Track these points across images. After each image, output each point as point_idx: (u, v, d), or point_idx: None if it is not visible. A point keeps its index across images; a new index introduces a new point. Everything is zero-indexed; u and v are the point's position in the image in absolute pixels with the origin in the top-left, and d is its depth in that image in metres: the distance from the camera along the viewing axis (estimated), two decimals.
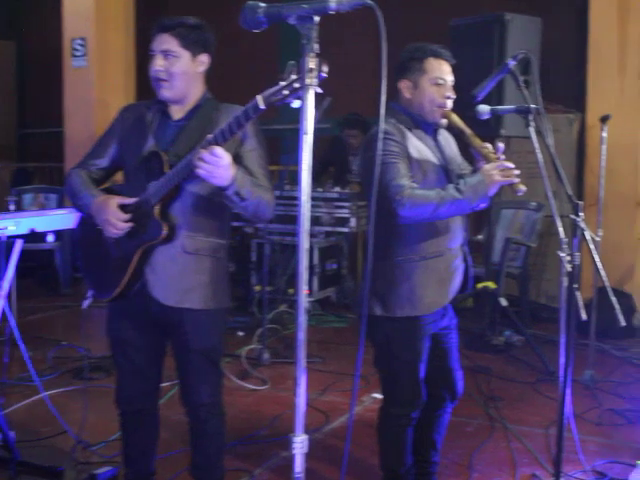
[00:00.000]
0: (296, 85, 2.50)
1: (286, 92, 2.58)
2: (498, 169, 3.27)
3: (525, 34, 6.28)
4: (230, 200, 3.09)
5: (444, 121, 3.50)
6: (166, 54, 3.18)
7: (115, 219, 3.20)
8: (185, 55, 3.20)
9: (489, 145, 3.41)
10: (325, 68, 2.20)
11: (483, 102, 3.57)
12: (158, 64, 3.19)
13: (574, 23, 8.42)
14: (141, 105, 3.40)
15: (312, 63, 2.12)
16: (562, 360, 3.26)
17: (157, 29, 3.21)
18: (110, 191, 3.37)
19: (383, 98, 2.16)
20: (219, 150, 2.92)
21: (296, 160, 2.14)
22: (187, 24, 3.21)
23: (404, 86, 3.53)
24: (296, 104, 2.38)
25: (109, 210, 3.22)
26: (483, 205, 3.35)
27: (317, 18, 2.12)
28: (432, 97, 3.47)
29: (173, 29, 3.18)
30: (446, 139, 3.67)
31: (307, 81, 2.13)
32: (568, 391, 3.23)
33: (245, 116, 2.83)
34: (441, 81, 3.47)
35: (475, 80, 3.63)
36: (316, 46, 2.12)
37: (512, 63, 3.45)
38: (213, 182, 2.99)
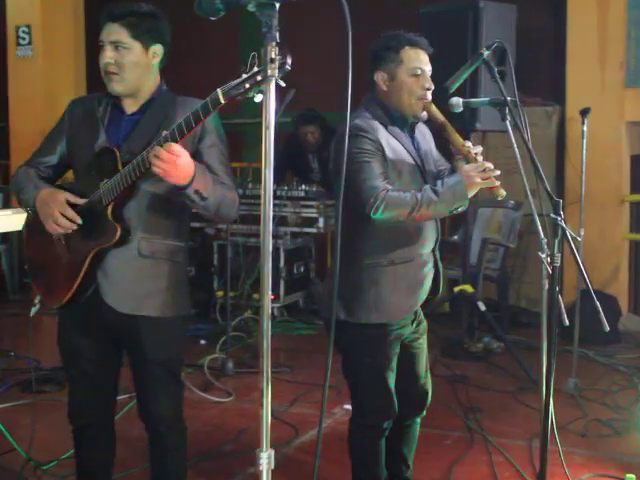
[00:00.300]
0: (258, 78, 2.49)
1: (248, 85, 2.57)
2: (478, 170, 3.27)
3: (500, 22, 6.30)
4: (190, 200, 3.07)
5: (424, 114, 3.49)
6: (116, 45, 3.15)
7: (60, 214, 3.17)
8: (136, 46, 3.17)
9: (470, 143, 3.41)
10: (289, 59, 2.20)
11: (456, 94, 3.57)
12: (107, 56, 3.16)
13: (552, 10, 8.47)
14: (92, 98, 3.36)
15: (273, 53, 2.10)
16: (544, 368, 3.28)
17: (106, 18, 3.17)
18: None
19: (349, 91, 2.15)
20: (176, 147, 2.90)
21: (259, 156, 2.13)
22: (138, 13, 3.17)
23: (380, 78, 3.51)
24: (258, 98, 2.37)
25: (55, 203, 3.18)
26: (462, 209, 3.36)
27: (278, 5, 2.11)
28: (411, 89, 3.45)
29: (123, 18, 3.14)
30: (422, 135, 3.66)
31: (268, 72, 2.11)
32: (551, 400, 3.24)
33: (204, 111, 2.81)
34: (419, 71, 3.46)
35: (447, 71, 3.63)
36: (278, 35, 2.10)
37: (486, 53, 3.47)
38: (171, 181, 2.98)
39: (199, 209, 3.14)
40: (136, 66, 3.18)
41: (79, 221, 3.17)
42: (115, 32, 3.14)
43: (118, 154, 3.11)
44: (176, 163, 2.91)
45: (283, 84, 2.21)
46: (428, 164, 3.59)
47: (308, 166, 8.48)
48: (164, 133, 2.93)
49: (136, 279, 3.21)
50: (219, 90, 2.72)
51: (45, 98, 9.95)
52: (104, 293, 3.19)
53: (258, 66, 2.49)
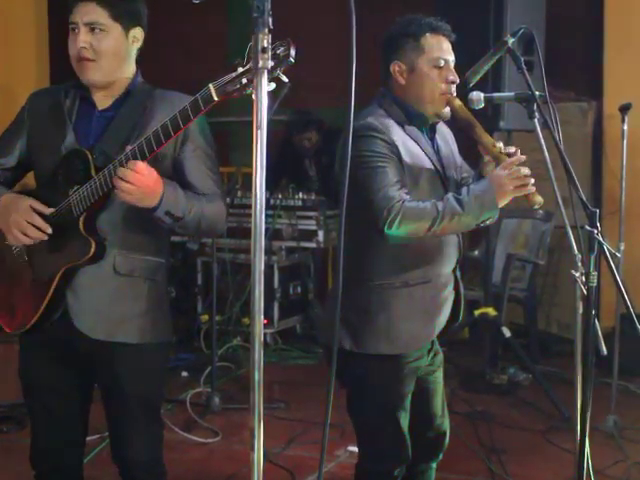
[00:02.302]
0: None
1: (245, 81, 2.59)
2: (511, 175, 3.22)
3: (527, 4, 6.32)
4: (162, 222, 3.10)
5: (447, 110, 3.46)
6: (92, 27, 3.16)
7: (26, 221, 3.17)
8: (116, 29, 3.19)
9: (501, 143, 3.38)
10: (293, 51, 2.21)
11: (476, 89, 3.57)
12: (82, 40, 3.16)
13: None
14: (57, 90, 3.37)
15: (265, 41, 2.09)
16: (579, 403, 3.28)
17: None
18: None
19: (352, 84, 2.16)
20: (141, 166, 2.93)
21: (250, 160, 2.13)
22: None
23: (397, 69, 3.48)
24: None
25: (20, 210, 3.19)
26: (490, 221, 3.34)
27: None
28: (433, 82, 3.43)
29: None
30: (443, 136, 3.65)
31: (260, 63, 2.09)
32: (587, 441, 3.24)
33: (194, 109, 2.83)
34: (442, 62, 3.44)
35: (466, 62, 3.64)
36: (271, 20, 2.10)
37: (512, 41, 3.47)
38: (139, 205, 3.01)
39: (176, 229, 3.17)
40: (116, 52, 3.20)
41: (49, 230, 3.18)
42: (92, 11, 3.15)
43: (90, 157, 3.11)
44: (143, 185, 2.94)
45: (285, 79, 2.22)
46: (449, 170, 3.56)
47: (305, 173, 8.49)
48: (128, 148, 2.95)
49: (111, 300, 3.22)
50: (211, 85, 2.73)
51: (1, 93, 9.93)
52: (74, 316, 3.20)
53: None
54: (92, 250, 3.13)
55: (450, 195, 3.31)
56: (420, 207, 3.26)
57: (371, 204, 3.27)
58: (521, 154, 3.31)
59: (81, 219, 3.13)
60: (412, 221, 3.25)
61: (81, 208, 3.11)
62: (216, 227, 3.27)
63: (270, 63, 2.10)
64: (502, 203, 3.26)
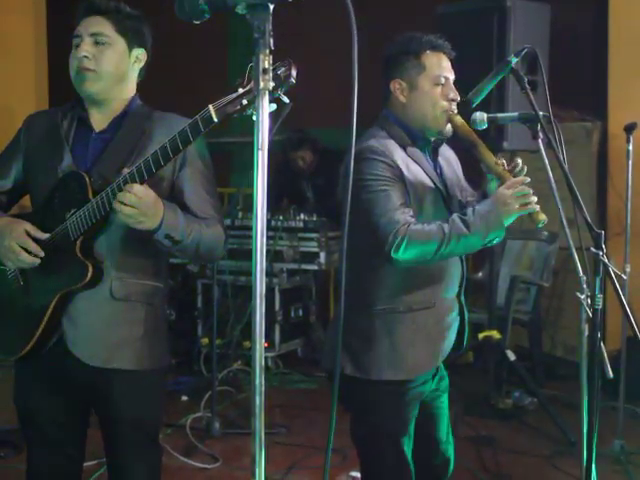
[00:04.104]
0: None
1: (245, 102, 2.58)
2: (515, 194, 3.21)
3: (531, 23, 6.31)
4: (161, 244, 3.10)
5: (449, 127, 3.46)
6: (96, 40, 3.18)
7: (21, 248, 3.16)
8: (120, 43, 3.22)
9: (504, 160, 3.37)
10: (294, 71, 2.20)
11: (479, 109, 3.57)
12: (85, 49, 3.18)
13: (592, 9, 8.48)
14: (53, 112, 3.38)
15: (267, 62, 2.09)
16: (585, 427, 3.26)
17: (86, 11, 3.22)
18: None
19: (354, 105, 2.16)
20: (138, 188, 2.92)
21: (250, 181, 2.12)
22: (124, 11, 3.24)
23: (397, 88, 3.49)
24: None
25: (14, 234, 3.18)
26: (497, 240, 3.32)
27: (272, 6, 2.11)
28: (435, 100, 3.44)
29: (107, 12, 3.20)
30: (447, 160, 3.64)
31: (261, 85, 2.10)
32: (593, 466, 3.22)
33: (193, 131, 2.82)
34: (443, 80, 3.45)
35: (469, 82, 3.64)
36: (272, 41, 2.10)
37: (515, 60, 3.47)
38: (139, 227, 3.01)
39: (175, 253, 3.17)
40: (117, 66, 3.22)
41: (42, 254, 3.17)
42: (98, 23, 3.19)
43: (88, 180, 3.10)
44: (143, 207, 2.94)
45: (287, 100, 2.21)
46: (453, 190, 3.55)
47: (302, 194, 8.49)
48: (125, 171, 2.93)
49: (108, 326, 3.20)
50: (211, 107, 2.72)
51: (0, 113, 9.93)
52: (70, 342, 3.19)
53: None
54: (89, 274, 3.12)
55: (455, 216, 3.29)
56: (426, 230, 3.25)
57: (376, 229, 3.26)
58: (525, 174, 3.30)
59: (78, 243, 3.12)
60: (419, 244, 3.24)
61: (78, 232, 3.10)
62: (214, 252, 3.26)
63: (271, 84, 2.10)
64: (508, 222, 3.25)
